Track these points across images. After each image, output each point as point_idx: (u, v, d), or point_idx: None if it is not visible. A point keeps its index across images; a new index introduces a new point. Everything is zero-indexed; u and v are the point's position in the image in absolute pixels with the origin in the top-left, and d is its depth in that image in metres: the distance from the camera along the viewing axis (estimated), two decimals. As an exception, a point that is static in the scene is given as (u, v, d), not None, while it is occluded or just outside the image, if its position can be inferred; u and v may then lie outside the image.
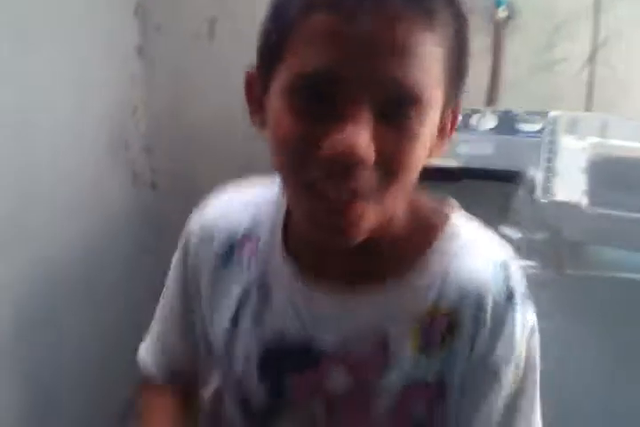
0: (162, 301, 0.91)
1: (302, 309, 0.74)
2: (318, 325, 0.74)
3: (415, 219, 0.74)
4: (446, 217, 0.75)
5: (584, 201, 1.27)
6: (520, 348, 0.72)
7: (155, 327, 0.92)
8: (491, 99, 1.74)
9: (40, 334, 1.56)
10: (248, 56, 0.70)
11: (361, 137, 0.58)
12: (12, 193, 1.45)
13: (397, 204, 0.68)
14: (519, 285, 0.73)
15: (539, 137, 1.47)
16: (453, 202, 0.78)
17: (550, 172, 1.34)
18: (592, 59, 1.68)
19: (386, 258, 0.72)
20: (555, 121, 1.50)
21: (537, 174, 1.33)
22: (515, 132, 1.49)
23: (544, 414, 0.76)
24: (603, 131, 1.50)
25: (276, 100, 0.64)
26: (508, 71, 1.71)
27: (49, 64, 1.53)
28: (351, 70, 0.58)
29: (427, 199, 0.76)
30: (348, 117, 0.59)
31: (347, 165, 0.59)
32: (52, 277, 1.60)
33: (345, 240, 0.64)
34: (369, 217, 0.63)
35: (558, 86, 1.70)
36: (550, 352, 0.78)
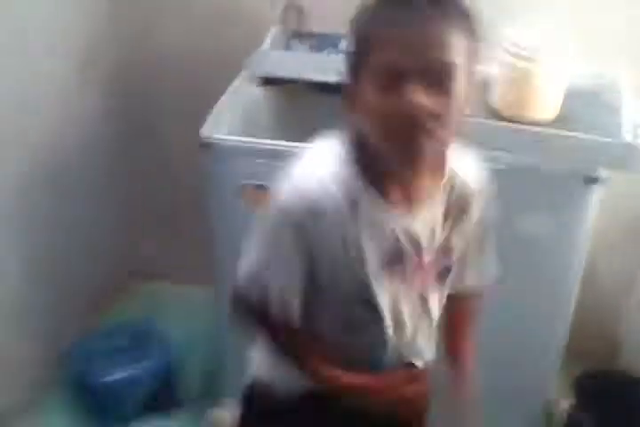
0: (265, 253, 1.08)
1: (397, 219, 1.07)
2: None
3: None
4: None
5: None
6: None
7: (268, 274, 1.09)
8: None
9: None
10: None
11: (422, 100, 0.93)
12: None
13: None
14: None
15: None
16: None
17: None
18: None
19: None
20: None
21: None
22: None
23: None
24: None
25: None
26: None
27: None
28: (411, 60, 0.93)
29: None
30: (411, 89, 0.93)
31: (418, 115, 0.94)
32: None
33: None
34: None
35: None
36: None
